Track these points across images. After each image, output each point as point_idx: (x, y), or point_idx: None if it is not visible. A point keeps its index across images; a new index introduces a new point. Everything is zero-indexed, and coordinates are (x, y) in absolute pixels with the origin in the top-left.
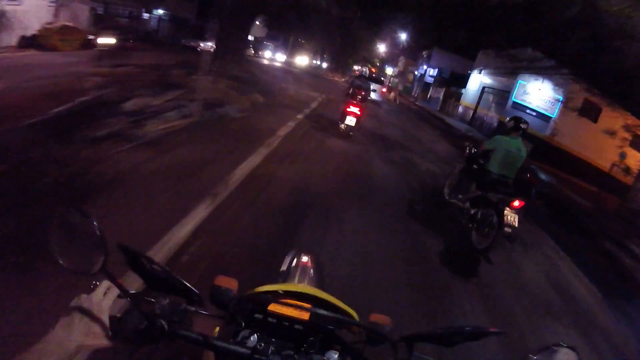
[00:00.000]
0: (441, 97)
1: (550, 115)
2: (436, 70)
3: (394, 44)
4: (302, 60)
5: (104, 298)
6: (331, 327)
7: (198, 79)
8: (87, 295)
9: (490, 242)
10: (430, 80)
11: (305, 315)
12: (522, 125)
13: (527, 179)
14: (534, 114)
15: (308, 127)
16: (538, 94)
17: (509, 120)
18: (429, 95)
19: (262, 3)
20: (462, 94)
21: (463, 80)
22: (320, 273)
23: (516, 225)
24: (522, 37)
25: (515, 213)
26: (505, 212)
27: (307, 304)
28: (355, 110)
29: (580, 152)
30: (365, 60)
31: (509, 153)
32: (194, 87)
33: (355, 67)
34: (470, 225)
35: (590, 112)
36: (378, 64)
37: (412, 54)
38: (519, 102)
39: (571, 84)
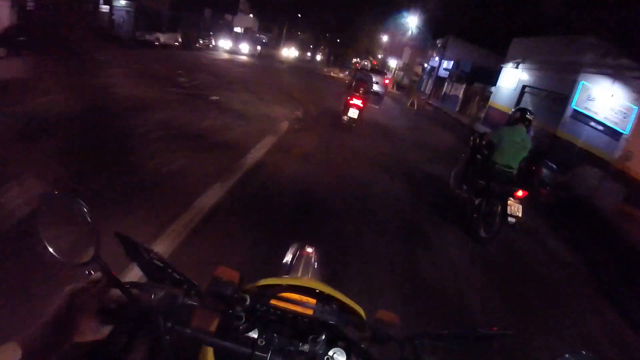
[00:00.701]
0: (461, 96)
1: (621, 131)
2: (452, 62)
3: (399, 32)
4: (290, 52)
5: (96, 288)
6: (336, 324)
7: None
8: (78, 284)
9: (495, 231)
10: (444, 74)
11: (309, 311)
12: (528, 116)
13: (532, 170)
14: (601, 127)
15: None
16: (607, 100)
17: (515, 112)
18: (443, 92)
19: None
20: (490, 92)
21: (489, 76)
22: (323, 265)
23: (520, 215)
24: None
25: (519, 203)
26: (509, 202)
27: (312, 298)
28: (358, 102)
29: None
30: (367, 52)
31: (514, 144)
32: None
33: (356, 60)
34: (475, 215)
35: None
36: (380, 56)
37: (420, 43)
38: (581, 110)
39: None
